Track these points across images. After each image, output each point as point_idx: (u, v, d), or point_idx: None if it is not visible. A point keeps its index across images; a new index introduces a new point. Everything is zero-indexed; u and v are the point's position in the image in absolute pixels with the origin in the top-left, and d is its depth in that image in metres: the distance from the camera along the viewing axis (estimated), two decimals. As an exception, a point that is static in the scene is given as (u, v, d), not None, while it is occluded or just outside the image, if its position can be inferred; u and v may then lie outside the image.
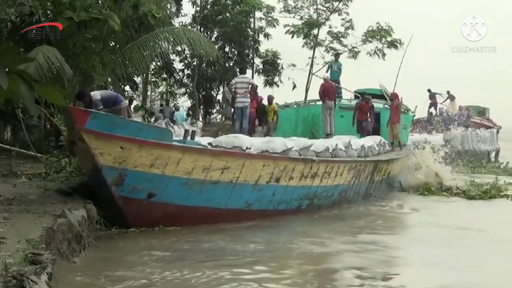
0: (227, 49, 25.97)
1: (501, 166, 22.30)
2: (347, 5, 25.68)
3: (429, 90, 28.72)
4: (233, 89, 14.47)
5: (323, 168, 11.02)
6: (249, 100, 14.37)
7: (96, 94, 9.89)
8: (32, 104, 2.46)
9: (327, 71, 17.91)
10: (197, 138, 10.47)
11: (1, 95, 2.39)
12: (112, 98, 10.15)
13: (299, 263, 7.49)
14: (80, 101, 10.28)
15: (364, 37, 25.75)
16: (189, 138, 9.61)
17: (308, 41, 26.30)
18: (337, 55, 20.76)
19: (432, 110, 28.64)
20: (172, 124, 18.48)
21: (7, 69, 2.35)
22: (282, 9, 26.16)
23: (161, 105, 27.01)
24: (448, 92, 29.36)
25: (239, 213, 9.49)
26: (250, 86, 14.46)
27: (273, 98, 16.89)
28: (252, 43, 25.92)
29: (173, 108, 26.12)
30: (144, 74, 22.72)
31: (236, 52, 26.06)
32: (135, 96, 25.04)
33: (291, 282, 6.51)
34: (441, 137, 24.70)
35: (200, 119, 24.18)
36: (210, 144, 10.15)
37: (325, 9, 26.03)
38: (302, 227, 9.81)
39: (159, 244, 7.79)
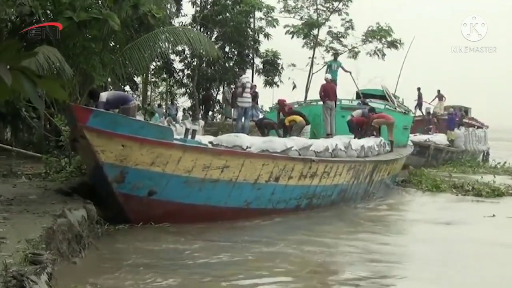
0: (227, 49, 25.94)
1: (498, 166, 22.26)
2: (347, 6, 25.68)
3: (418, 89, 28.59)
4: (240, 89, 14.41)
5: (322, 167, 11.04)
6: (251, 100, 14.44)
7: (103, 96, 9.93)
8: (37, 99, 2.47)
9: (326, 71, 17.88)
10: (199, 137, 10.52)
11: (5, 92, 2.39)
12: (121, 98, 10.15)
13: (292, 267, 7.33)
14: (92, 99, 10.36)
15: (364, 37, 25.74)
16: (189, 137, 9.64)
17: (308, 41, 26.28)
18: (335, 54, 20.53)
19: (418, 110, 28.38)
20: (174, 122, 18.51)
21: (9, 66, 2.35)
22: (282, 9, 26.16)
23: (159, 105, 27.01)
24: (438, 91, 29.26)
25: (239, 211, 9.57)
26: (252, 86, 14.51)
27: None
28: (252, 43, 25.90)
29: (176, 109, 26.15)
30: (144, 74, 22.70)
31: (236, 52, 26.04)
32: (135, 96, 25.01)
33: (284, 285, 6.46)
34: (442, 137, 24.62)
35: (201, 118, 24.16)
36: (211, 143, 10.21)
37: (325, 9, 26.02)
38: (299, 226, 9.80)
39: (157, 246, 7.77)
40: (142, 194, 8.46)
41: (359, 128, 15.04)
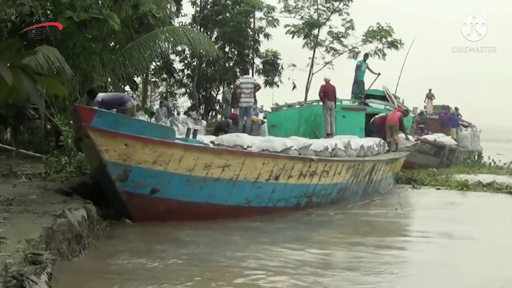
0: (227, 49, 25.95)
1: (505, 166, 22.17)
2: (347, 6, 25.69)
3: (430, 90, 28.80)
4: (238, 90, 14.43)
5: (321, 167, 11.10)
6: (253, 100, 14.43)
7: (99, 96, 10.02)
8: (37, 98, 2.48)
9: (356, 72, 17.68)
10: (200, 137, 10.57)
11: (4, 90, 2.39)
12: (116, 99, 10.17)
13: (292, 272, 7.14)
14: (90, 97, 10.38)
15: (364, 38, 25.73)
16: (191, 136, 9.68)
17: (309, 41, 26.29)
18: (366, 55, 19.37)
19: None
20: (176, 122, 18.48)
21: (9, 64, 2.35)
22: (283, 9, 26.18)
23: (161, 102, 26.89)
24: (430, 90, 29.32)
25: (239, 209, 9.68)
26: (255, 86, 14.44)
27: None
28: (252, 43, 25.90)
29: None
30: (144, 74, 22.69)
31: (236, 52, 26.04)
32: (135, 96, 25.00)
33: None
34: (448, 137, 24.53)
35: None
36: (212, 142, 10.25)
37: (325, 9, 26.04)
38: (297, 227, 9.79)
39: (157, 247, 7.73)
40: (145, 192, 8.60)
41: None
